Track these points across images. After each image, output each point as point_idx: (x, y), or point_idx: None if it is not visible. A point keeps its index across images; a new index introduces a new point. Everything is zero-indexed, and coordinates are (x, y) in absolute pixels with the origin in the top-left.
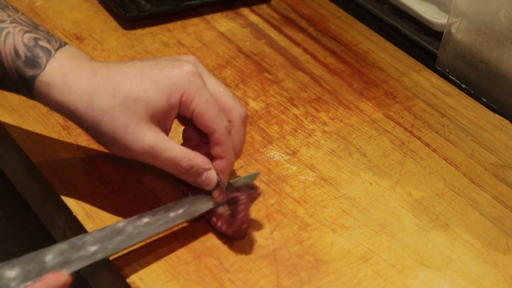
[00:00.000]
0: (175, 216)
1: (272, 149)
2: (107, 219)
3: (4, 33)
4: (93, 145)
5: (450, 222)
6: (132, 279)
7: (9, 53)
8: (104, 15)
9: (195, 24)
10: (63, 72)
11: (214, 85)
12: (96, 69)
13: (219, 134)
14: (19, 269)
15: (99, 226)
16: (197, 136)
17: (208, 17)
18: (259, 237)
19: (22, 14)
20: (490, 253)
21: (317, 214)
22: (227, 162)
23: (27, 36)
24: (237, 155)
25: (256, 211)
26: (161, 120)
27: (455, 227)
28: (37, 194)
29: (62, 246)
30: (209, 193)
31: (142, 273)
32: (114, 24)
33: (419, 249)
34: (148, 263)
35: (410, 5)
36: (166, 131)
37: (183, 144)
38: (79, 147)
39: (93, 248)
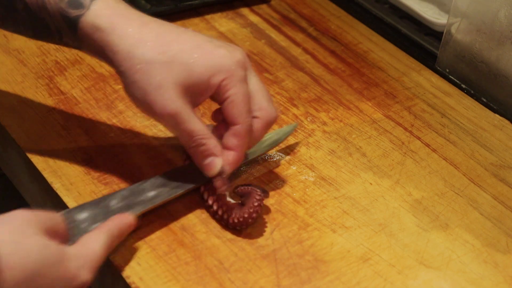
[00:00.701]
0: None
1: (272, 149)
2: None
3: None
4: (93, 145)
5: (450, 222)
6: (132, 279)
7: None
8: None
9: (195, 24)
10: (109, 14)
11: (255, 82)
12: (146, 21)
13: (241, 128)
14: (87, 212)
15: None
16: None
17: (208, 17)
18: (259, 237)
19: None
20: (490, 253)
21: (317, 214)
22: (237, 156)
23: None
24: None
25: None
26: (194, 94)
27: (455, 227)
28: (37, 194)
29: (124, 192)
30: None
31: (142, 273)
32: None
33: (419, 249)
34: (148, 263)
35: (410, 5)
36: (195, 106)
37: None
38: (79, 147)
39: (151, 194)
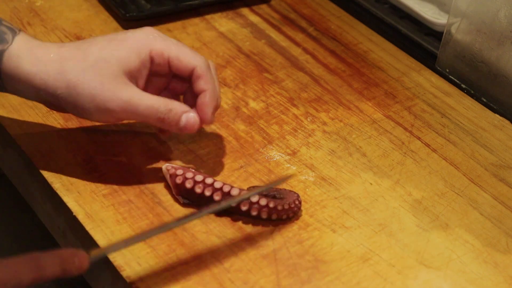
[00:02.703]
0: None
1: (272, 149)
2: (107, 219)
3: None
4: (93, 145)
5: (450, 222)
6: (132, 279)
7: None
8: (104, 15)
9: (195, 24)
10: (30, 46)
11: (175, 41)
12: (60, 44)
13: (198, 68)
14: None
15: (99, 226)
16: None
17: (208, 17)
18: (259, 237)
19: None
20: (490, 253)
21: (317, 214)
22: (211, 93)
23: None
24: (219, 99)
25: None
26: (133, 77)
27: (455, 227)
28: (37, 194)
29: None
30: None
31: (142, 273)
32: (114, 24)
33: (419, 249)
34: (148, 263)
35: (410, 5)
36: (141, 88)
37: None
38: (79, 147)
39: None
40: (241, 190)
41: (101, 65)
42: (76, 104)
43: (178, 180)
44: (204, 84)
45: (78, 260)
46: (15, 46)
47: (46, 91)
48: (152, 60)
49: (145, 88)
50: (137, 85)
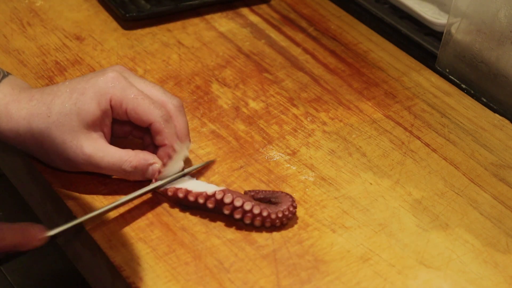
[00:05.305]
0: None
1: (272, 149)
2: (107, 218)
3: None
4: None
5: (450, 222)
6: (132, 279)
7: None
8: (104, 15)
9: (195, 24)
10: (6, 102)
11: (143, 85)
12: (32, 94)
13: (156, 124)
14: None
15: (99, 226)
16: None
17: (208, 17)
18: (259, 237)
19: None
20: (490, 253)
21: (317, 214)
22: (169, 147)
23: None
24: (184, 139)
25: None
26: (97, 127)
27: (455, 227)
28: (37, 194)
29: None
30: None
31: (142, 273)
32: (114, 24)
33: (419, 249)
34: (148, 263)
35: (410, 5)
36: (106, 137)
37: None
38: None
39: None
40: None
41: (62, 121)
42: (46, 158)
43: (170, 193)
44: (162, 140)
45: (35, 232)
46: None
47: (21, 146)
48: (112, 108)
49: (113, 133)
50: (103, 133)
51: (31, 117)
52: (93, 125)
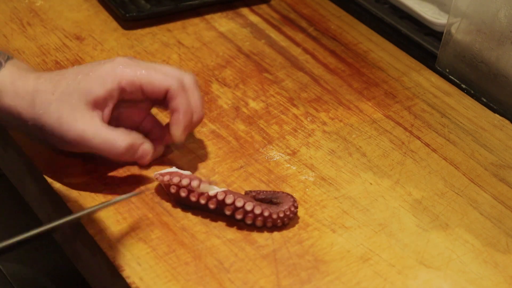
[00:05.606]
0: None
1: (272, 149)
2: (107, 219)
3: None
4: None
5: (450, 222)
6: (132, 279)
7: None
8: (104, 15)
9: (195, 24)
10: (13, 79)
11: (155, 64)
12: (40, 74)
13: (171, 90)
14: None
15: (99, 227)
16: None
17: (208, 17)
18: (259, 237)
19: None
20: (490, 253)
21: (317, 214)
22: (182, 113)
23: None
24: (198, 114)
25: None
26: (97, 107)
27: (455, 227)
28: (37, 194)
29: None
30: None
31: (142, 273)
32: (114, 24)
33: (419, 249)
34: (148, 263)
35: (410, 5)
36: (104, 118)
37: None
38: None
39: None
40: (234, 195)
41: (63, 99)
42: (42, 135)
43: (173, 190)
44: (175, 104)
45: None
46: (0, 79)
47: (21, 122)
48: (123, 90)
49: (122, 123)
50: (102, 113)
51: (36, 93)
52: (93, 104)
